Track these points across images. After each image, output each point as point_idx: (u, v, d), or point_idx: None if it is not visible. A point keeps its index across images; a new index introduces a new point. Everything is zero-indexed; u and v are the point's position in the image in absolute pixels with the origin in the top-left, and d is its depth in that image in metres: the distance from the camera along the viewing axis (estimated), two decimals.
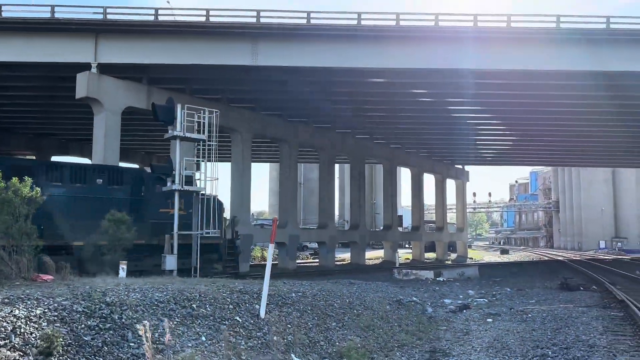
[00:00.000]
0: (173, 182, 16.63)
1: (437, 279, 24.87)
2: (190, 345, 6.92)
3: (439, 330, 11.42)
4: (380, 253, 44.54)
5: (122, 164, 31.26)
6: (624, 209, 70.10)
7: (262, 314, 8.60)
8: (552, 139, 38.61)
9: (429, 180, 49.22)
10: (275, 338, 8.06)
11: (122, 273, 14.27)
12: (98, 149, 22.17)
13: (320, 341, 8.68)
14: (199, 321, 7.59)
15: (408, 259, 43.83)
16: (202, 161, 17.13)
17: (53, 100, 28.46)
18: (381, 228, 47.60)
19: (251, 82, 26.20)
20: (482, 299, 16.68)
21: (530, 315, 12.96)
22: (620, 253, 57.59)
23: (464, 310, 13.99)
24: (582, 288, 18.16)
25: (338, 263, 35.79)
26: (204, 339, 7.21)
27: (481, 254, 62.49)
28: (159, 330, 6.90)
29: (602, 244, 67.47)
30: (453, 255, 49.70)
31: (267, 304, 9.05)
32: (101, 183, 17.82)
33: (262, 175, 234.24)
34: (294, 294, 10.20)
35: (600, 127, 34.47)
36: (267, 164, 67.13)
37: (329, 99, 29.47)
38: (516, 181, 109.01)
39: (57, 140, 37.08)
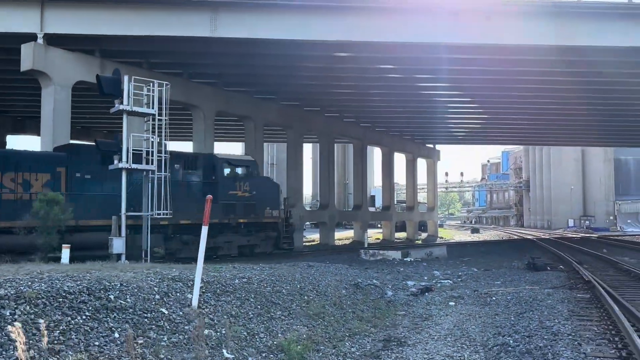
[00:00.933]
0: (120, 160, 15.47)
1: (405, 259, 24.26)
2: (97, 343, 5.93)
3: (397, 316, 10.63)
4: (352, 233, 43.92)
5: (82, 142, 30.19)
6: (592, 188, 70.75)
7: (194, 305, 7.64)
8: (523, 117, 38.16)
9: (401, 160, 48.61)
10: (206, 332, 7.12)
11: (65, 258, 13.18)
12: (47, 127, 20.73)
13: (260, 333, 7.77)
14: (115, 315, 6.58)
15: (378, 238, 43.32)
16: (152, 138, 15.94)
17: (3, 75, 26.76)
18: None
19: (212, 55, 24.89)
20: (447, 280, 16.01)
21: (494, 298, 12.28)
22: (588, 231, 58.09)
23: (426, 293, 13.25)
24: (549, 268, 17.63)
25: (307, 244, 34.97)
26: (117, 335, 6.22)
27: (452, 233, 62.49)
28: (61, 328, 5.90)
29: (571, 223, 68.11)
30: (424, 235, 49.38)
31: (203, 292, 8.10)
32: (178, 168, 19.81)
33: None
34: (237, 280, 9.25)
35: (570, 105, 34.05)
36: (240, 144, 65.65)
37: (296, 75, 28.33)
38: (488, 161, 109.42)
39: (11, 118, 35.20)
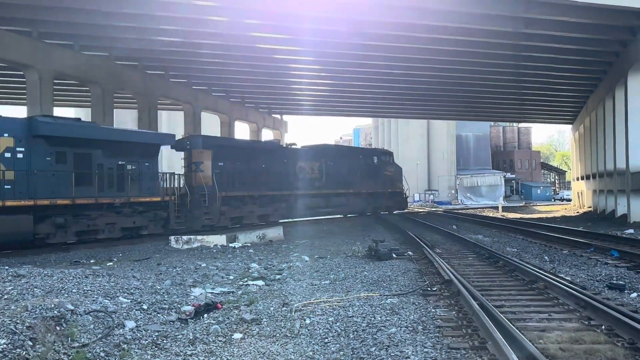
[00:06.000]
0: None
1: (231, 245, 18.86)
2: None
3: None
4: None
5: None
6: (435, 163, 71.17)
7: None
8: (371, 86, 34.40)
9: (244, 130, 43.07)
10: None
11: None
12: None
13: None
14: None
15: None
16: None
17: None
18: None
19: None
20: (258, 281, 10.78)
21: (309, 321, 7.22)
22: (433, 205, 57.55)
23: (206, 315, 7.85)
24: (395, 255, 13.20)
25: None
26: None
27: None
28: None
29: (417, 197, 67.85)
30: None
31: None
32: (360, 158, 34.29)
33: None
34: None
35: (415, 75, 30.93)
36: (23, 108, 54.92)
37: (98, 12, 21.26)
38: (340, 137, 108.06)
39: None
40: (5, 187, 15.24)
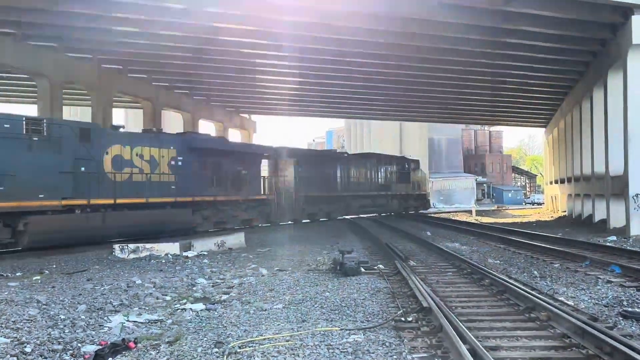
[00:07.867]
0: None
1: (185, 253, 16.79)
2: None
3: None
4: None
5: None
6: None
7: None
8: (342, 87, 32.61)
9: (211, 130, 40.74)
10: None
11: None
12: None
13: None
14: None
15: None
16: None
17: None
18: None
19: None
20: (196, 305, 8.80)
21: None
22: None
23: (110, 359, 5.86)
24: (363, 269, 11.35)
25: None
26: None
27: None
28: None
29: None
30: None
31: None
32: (395, 164, 39.45)
33: None
34: None
35: (389, 75, 29.32)
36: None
37: None
38: (313, 140, 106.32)
39: None
40: (172, 187, 19.82)
